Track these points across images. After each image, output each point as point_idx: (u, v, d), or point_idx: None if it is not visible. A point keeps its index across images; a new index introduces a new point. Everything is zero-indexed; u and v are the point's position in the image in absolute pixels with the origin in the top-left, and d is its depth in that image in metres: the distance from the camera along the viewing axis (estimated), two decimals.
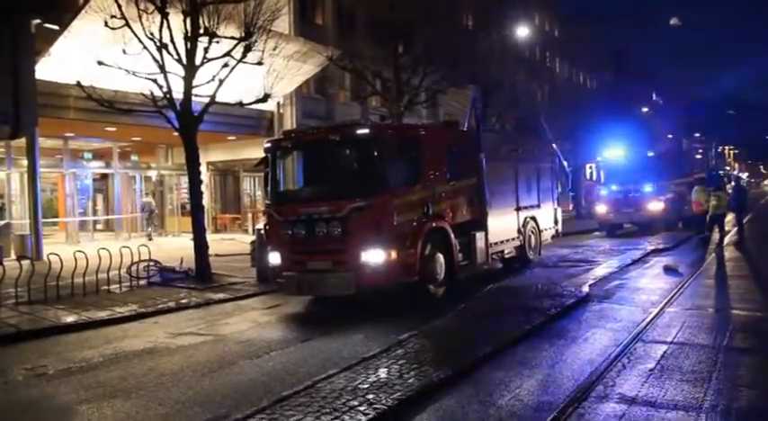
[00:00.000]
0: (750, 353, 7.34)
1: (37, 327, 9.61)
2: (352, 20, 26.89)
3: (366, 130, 10.41)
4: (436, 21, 20.48)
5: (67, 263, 11.82)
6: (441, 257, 10.92)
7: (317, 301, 11.25)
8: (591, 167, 45.26)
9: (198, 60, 13.39)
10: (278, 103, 23.79)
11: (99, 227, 26.65)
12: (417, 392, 5.83)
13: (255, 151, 17.15)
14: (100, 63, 13.69)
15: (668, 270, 13.46)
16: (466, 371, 6.56)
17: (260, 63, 14.20)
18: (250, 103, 15.10)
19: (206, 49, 13.30)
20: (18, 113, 16.78)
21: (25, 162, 18.49)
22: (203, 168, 16.11)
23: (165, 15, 12.96)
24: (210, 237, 15.30)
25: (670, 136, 60.59)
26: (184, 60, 13.32)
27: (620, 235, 23.02)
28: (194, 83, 13.52)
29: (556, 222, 16.68)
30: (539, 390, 6.11)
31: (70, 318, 10.15)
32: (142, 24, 12.91)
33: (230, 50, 13.49)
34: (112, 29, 13.19)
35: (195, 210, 14.15)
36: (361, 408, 5.40)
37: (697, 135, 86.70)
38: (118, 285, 12.59)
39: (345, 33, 25.84)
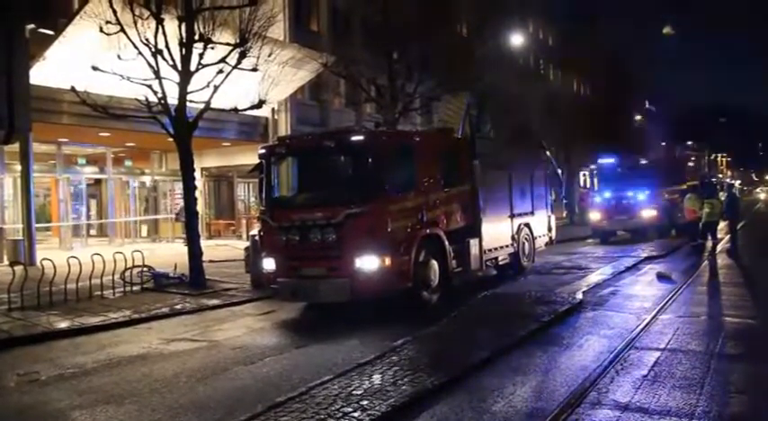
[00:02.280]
0: (742, 359, 7.38)
1: (30, 333, 9.56)
2: (347, 26, 26.94)
3: (360, 137, 10.44)
4: (431, 28, 20.55)
5: (61, 268, 11.79)
6: (435, 264, 10.93)
7: (311, 308, 11.24)
8: (584, 175, 45.43)
9: (193, 66, 13.39)
10: (272, 110, 23.81)
11: (92, 232, 26.55)
12: (411, 398, 5.84)
13: (250, 157, 17.19)
14: (94, 68, 13.67)
15: (661, 277, 13.50)
16: (460, 377, 6.57)
17: (255, 69, 14.21)
18: (245, 109, 15.11)
19: (201, 55, 13.30)
20: (12, 118, 16.73)
21: (18, 167, 18.43)
22: (197, 174, 16.06)
23: (160, 21, 12.97)
24: (204, 243, 15.27)
25: (663, 143, 60.91)
26: (179, 66, 13.33)
27: (614, 242, 23.10)
28: (189, 89, 13.52)
29: (550, 229, 16.72)
30: (532, 397, 6.13)
31: (63, 324, 10.10)
32: (137, 30, 12.90)
33: (225, 56, 13.51)
34: (107, 34, 13.18)
35: (189, 215, 14.13)
36: (356, 414, 5.41)
37: (690, 143, 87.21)
38: (111, 291, 12.55)
39: (340, 40, 25.85)
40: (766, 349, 7.92)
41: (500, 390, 6.25)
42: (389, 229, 10.08)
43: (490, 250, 13.14)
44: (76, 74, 14.40)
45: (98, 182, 26.41)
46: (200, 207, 16.99)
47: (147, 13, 13.01)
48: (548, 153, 17.26)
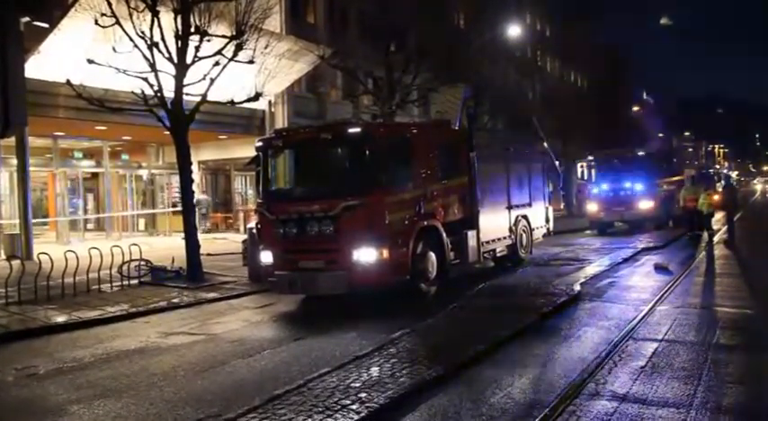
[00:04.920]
0: (739, 350, 7.40)
1: (27, 327, 9.55)
2: (343, 18, 26.86)
3: (357, 129, 10.41)
4: (427, 19, 20.48)
5: (58, 262, 11.75)
6: (432, 256, 10.94)
7: (309, 300, 11.24)
8: (582, 166, 45.44)
9: (189, 59, 13.32)
10: (269, 102, 23.74)
11: (89, 226, 26.50)
12: (409, 391, 5.84)
13: (247, 150, 17.11)
14: (90, 61, 13.59)
15: (658, 268, 13.53)
16: (458, 369, 6.57)
17: (251, 62, 14.15)
18: (241, 102, 15.04)
19: (197, 48, 13.23)
20: (7, 112, 16.63)
21: (15, 161, 18.36)
22: (195, 167, 16.03)
23: (155, 13, 12.89)
24: (202, 237, 15.24)
25: (660, 134, 60.89)
26: (175, 59, 13.26)
27: (611, 233, 23.13)
28: (185, 81, 13.45)
29: (547, 221, 16.72)
30: (531, 388, 6.14)
31: (61, 318, 10.10)
32: (133, 22, 12.83)
33: (221, 49, 13.44)
34: (103, 27, 13.11)
35: (186, 209, 14.10)
36: (354, 407, 5.41)
37: (687, 134, 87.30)
38: (109, 285, 12.53)
39: (337, 32, 25.80)
40: (763, 339, 7.95)
41: (498, 382, 6.26)
42: (387, 221, 10.08)
43: (488, 242, 13.14)
44: (72, 67, 14.32)
45: (95, 175, 26.32)
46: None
47: (142, 6, 12.92)
48: (545, 144, 17.22)
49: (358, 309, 10.13)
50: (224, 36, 13.52)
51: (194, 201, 25.21)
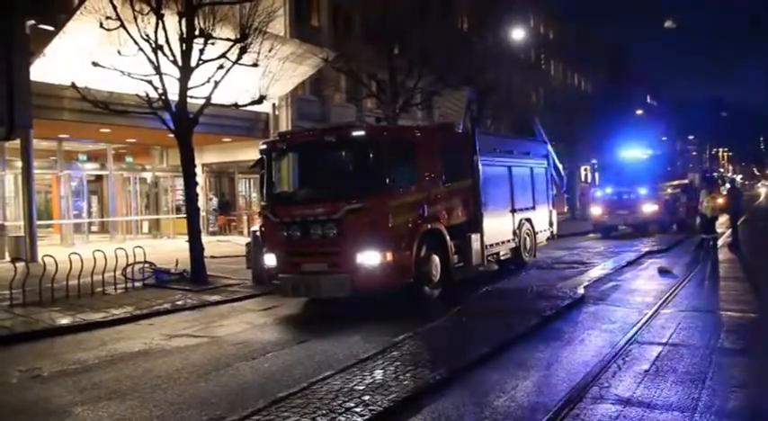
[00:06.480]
0: (743, 353, 7.38)
1: (31, 329, 9.58)
2: (347, 22, 26.88)
3: (361, 132, 10.42)
4: (431, 23, 20.50)
5: (62, 264, 11.80)
6: (436, 259, 10.93)
7: (312, 303, 11.24)
8: (586, 169, 45.40)
9: (193, 62, 13.36)
10: (273, 105, 23.77)
11: (94, 228, 26.56)
12: (413, 393, 5.84)
13: (251, 153, 17.17)
14: (95, 64, 13.64)
15: (662, 272, 13.50)
16: (462, 372, 6.57)
17: (255, 65, 14.17)
18: (245, 105, 15.08)
19: (201, 51, 13.28)
20: (12, 115, 16.69)
21: (19, 163, 18.41)
22: (198, 170, 16.06)
23: (160, 17, 12.92)
24: (206, 239, 15.26)
25: (664, 138, 60.82)
26: (180, 62, 13.29)
27: (615, 237, 23.09)
28: (190, 84, 13.49)
29: (551, 224, 16.70)
30: (534, 392, 6.13)
31: (65, 320, 10.12)
32: (137, 25, 12.86)
33: (226, 52, 13.47)
34: (107, 30, 13.16)
35: (190, 211, 14.12)
36: (357, 409, 5.41)
37: (691, 137, 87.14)
38: (113, 287, 12.55)
39: (341, 35, 25.84)
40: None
41: (502, 385, 6.26)
42: (390, 224, 10.08)
43: (492, 245, 13.13)
44: (77, 70, 14.38)
45: (99, 178, 26.41)
46: (201, 203, 17.00)
47: (147, 9, 12.96)
48: (549, 147, 17.19)
49: (361, 312, 10.13)
50: (228, 39, 13.56)
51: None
